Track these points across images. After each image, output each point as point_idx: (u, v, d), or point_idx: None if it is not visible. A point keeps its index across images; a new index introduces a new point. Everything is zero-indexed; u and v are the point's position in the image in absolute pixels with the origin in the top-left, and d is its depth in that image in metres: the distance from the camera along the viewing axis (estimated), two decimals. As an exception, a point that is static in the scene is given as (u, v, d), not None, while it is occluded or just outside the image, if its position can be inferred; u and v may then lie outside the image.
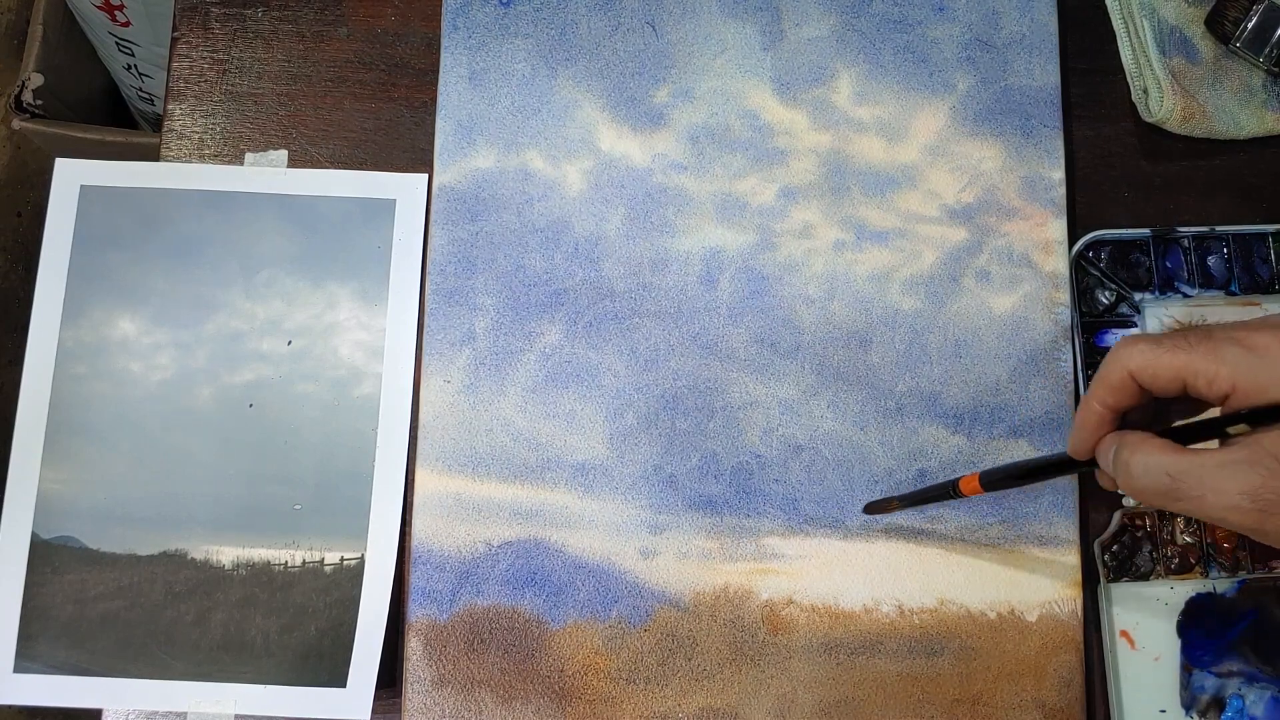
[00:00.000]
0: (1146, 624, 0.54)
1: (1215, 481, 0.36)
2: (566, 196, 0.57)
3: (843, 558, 0.54)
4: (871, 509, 0.54)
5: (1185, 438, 0.37)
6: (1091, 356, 0.57)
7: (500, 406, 0.55)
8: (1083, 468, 0.42)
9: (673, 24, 0.58)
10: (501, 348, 0.56)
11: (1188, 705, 0.54)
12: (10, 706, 0.53)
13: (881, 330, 0.56)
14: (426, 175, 0.58)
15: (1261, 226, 0.58)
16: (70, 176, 0.57)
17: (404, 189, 0.57)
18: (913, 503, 0.53)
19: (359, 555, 0.54)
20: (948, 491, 0.51)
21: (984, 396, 0.55)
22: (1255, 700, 0.54)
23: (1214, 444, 0.37)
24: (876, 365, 0.56)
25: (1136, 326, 0.57)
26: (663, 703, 0.53)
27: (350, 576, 0.54)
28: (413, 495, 0.55)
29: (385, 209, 0.57)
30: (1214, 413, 0.38)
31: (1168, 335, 0.37)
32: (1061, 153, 0.57)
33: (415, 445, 0.55)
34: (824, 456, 0.55)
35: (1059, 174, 0.57)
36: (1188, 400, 0.38)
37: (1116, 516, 0.55)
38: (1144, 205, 0.59)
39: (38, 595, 0.54)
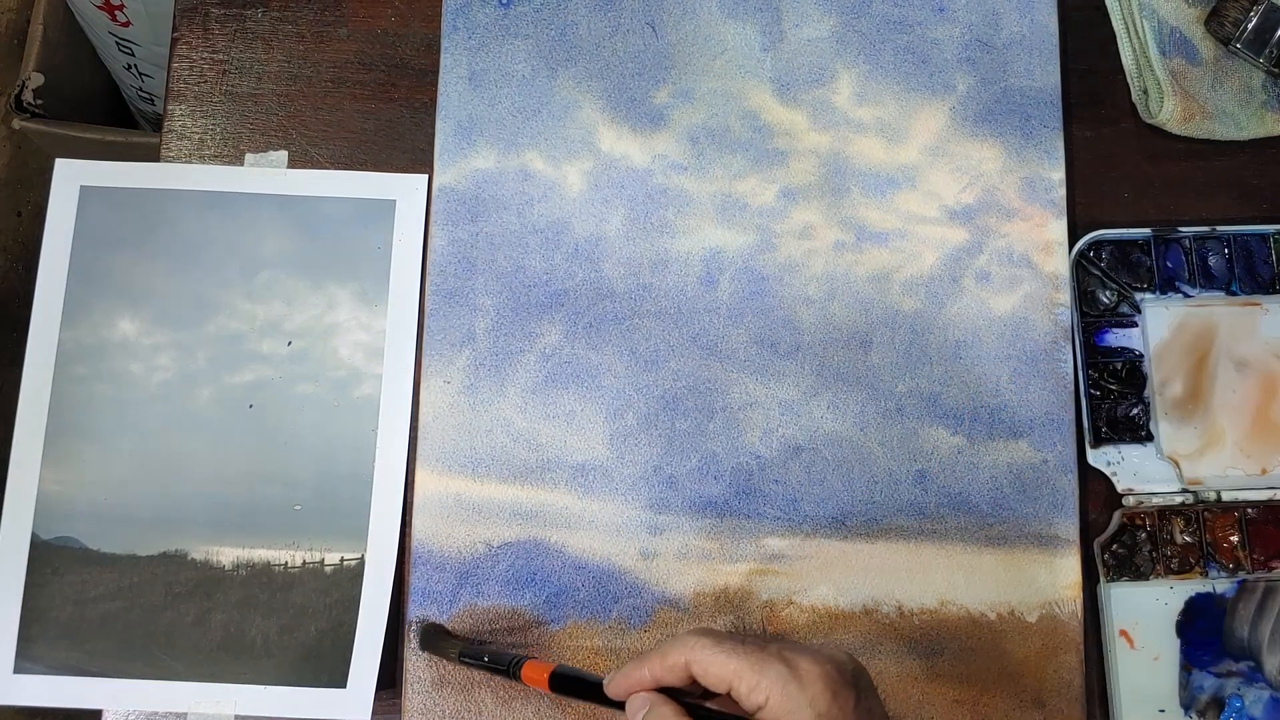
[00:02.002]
0: (1146, 624, 0.54)
1: None
2: (566, 197, 0.57)
3: (843, 558, 0.54)
4: (427, 642, 0.52)
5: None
6: (1092, 357, 0.57)
7: (500, 407, 0.55)
8: (615, 706, 0.42)
9: (673, 25, 0.58)
10: (501, 348, 0.56)
11: (1187, 705, 0.54)
12: (10, 707, 0.53)
13: (881, 331, 0.56)
14: (426, 176, 0.58)
15: (1261, 227, 0.58)
16: (70, 176, 0.57)
17: (404, 190, 0.57)
18: (474, 664, 0.50)
19: (359, 556, 0.54)
20: (507, 669, 0.47)
21: (984, 397, 0.55)
22: (1254, 700, 0.54)
23: None
24: (876, 366, 0.56)
25: (1137, 326, 0.57)
26: (663, 703, 0.53)
27: (350, 577, 0.54)
28: (413, 496, 0.55)
29: (385, 210, 0.57)
30: None
31: (731, 637, 0.40)
32: (1061, 153, 0.57)
33: (415, 446, 0.55)
34: (824, 457, 0.55)
35: (1059, 174, 0.57)
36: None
37: (1116, 516, 0.55)
38: (1144, 206, 0.59)
39: (38, 596, 0.54)
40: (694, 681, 0.40)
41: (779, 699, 0.38)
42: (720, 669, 0.39)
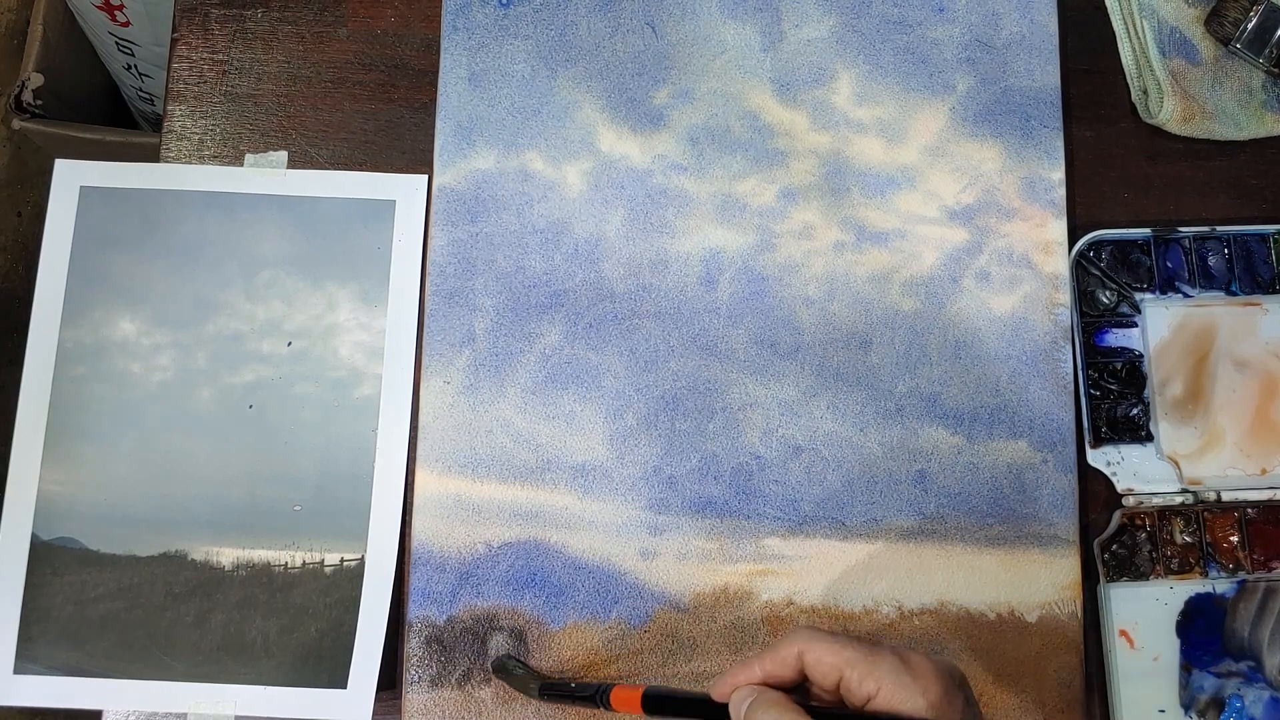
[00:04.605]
0: (1146, 624, 0.54)
1: None
2: (566, 197, 0.57)
3: (843, 559, 0.54)
4: (502, 674, 0.52)
5: (818, 715, 0.39)
6: (1092, 357, 0.57)
7: (500, 407, 0.55)
8: (719, 714, 0.42)
9: (673, 25, 0.58)
10: (501, 349, 0.56)
11: (1187, 705, 0.54)
12: (10, 707, 0.53)
13: (881, 331, 0.56)
14: (426, 176, 0.58)
15: (1261, 227, 0.58)
16: (70, 177, 0.57)
17: (404, 190, 0.57)
18: (555, 698, 0.50)
19: (359, 556, 0.54)
20: (594, 698, 0.47)
21: (984, 397, 0.55)
22: (1254, 700, 0.54)
23: None
24: (876, 366, 0.56)
25: (1137, 326, 0.57)
26: (663, 703, 0.53)
27: (350, 577, 0.54)
28: (413, 496, 0.55)
29: (385, 210, 0.57)
30: None
31: (843, 635, 0.41)
32: (1061, 153, 0.57)
33: (415, 446, 0.55)
34: (824, 457, 0.55)
35: (1059, 174, 0.57)
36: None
37: (1116, 516, 0.55)
38: (1144, 206, 0.59)
39: (38, 596, 0.54)
40: (801, 679, 0.41)
41: (891, 687, 0.38)
42: (834, 657, 0.39)
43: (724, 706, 0.41)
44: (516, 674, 0.52)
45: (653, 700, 0.44)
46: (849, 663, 0.39)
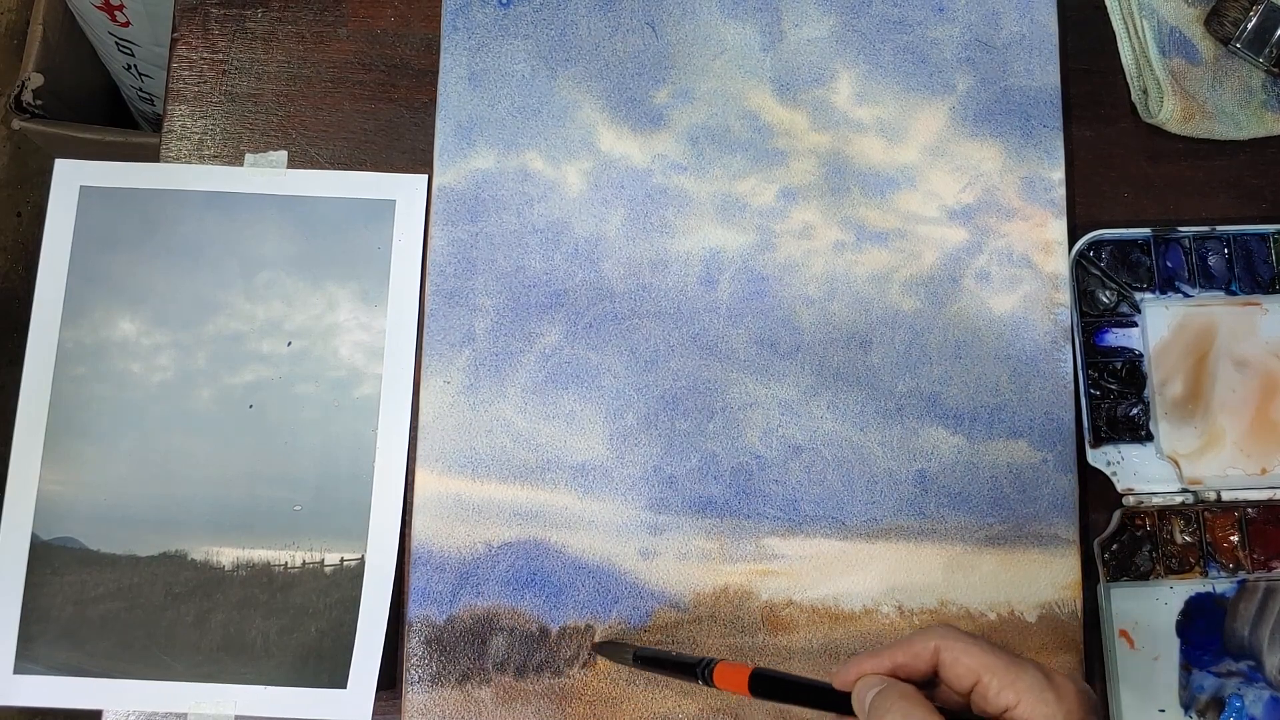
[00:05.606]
0: (1146, 624, 0.54)
1: None
2: (566, 197, 0.57)
3: (843, 558, 0.54)
4: (601, 649, 0.52)
5: (948, 716, 0.38)
6: (1092, 356, 0.57)
7: (500, 407, 0.55)
8: (840, 706, 0.40)
9: (672, 24, 0.58)
10: (501, 348, 0.56)
11: (1187, 705, 0.54)
12: (10, 707, 0.53)
13: (881, 331, 0.56)
14: (426, 176, 0.58)
15: (1261, 227, 0.58)
16: (70, 177, 0.57)
17: (404, 190, 0.57)
18: (651, 666, 0.49)
19: (359, 556, 0.54)
20: (696, 672, 0.45)
21: (984, 397, 0.55)
22: (1254, 700, 0.54)
23: None
24: (876, 366, 0.56)
25: (1137, 326, 0.57)
26: (663, 703, 0.53)
27: (350, 577, 0.54)
28: (413, 496, 0.55)
29: (385, 210, 0.57)
30: None
31: (984, 639, 0.39)
32: (1061, 153, 0.57)
33: (415, 446, 0.55)
34: (824, 457, 0.55)
35: (1059, 174, 0.57)
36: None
37: (1116, 516, 0.55)
38: (1144, 206, 0.59)
39: (38, 596, 0.54)
40: (932, 676, 0.39)
41: (1033, 702, 0.37)
42: (973, 660, 0.38)
43: (841, 696, 0.40)
44: (613, 643, 0.52)
45: (762, 682, 0.42)
46: (989, 668, 0.38)
